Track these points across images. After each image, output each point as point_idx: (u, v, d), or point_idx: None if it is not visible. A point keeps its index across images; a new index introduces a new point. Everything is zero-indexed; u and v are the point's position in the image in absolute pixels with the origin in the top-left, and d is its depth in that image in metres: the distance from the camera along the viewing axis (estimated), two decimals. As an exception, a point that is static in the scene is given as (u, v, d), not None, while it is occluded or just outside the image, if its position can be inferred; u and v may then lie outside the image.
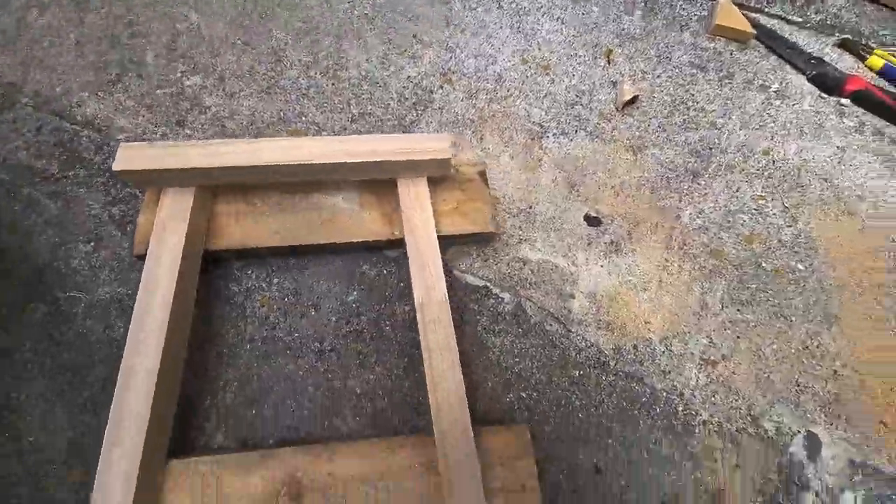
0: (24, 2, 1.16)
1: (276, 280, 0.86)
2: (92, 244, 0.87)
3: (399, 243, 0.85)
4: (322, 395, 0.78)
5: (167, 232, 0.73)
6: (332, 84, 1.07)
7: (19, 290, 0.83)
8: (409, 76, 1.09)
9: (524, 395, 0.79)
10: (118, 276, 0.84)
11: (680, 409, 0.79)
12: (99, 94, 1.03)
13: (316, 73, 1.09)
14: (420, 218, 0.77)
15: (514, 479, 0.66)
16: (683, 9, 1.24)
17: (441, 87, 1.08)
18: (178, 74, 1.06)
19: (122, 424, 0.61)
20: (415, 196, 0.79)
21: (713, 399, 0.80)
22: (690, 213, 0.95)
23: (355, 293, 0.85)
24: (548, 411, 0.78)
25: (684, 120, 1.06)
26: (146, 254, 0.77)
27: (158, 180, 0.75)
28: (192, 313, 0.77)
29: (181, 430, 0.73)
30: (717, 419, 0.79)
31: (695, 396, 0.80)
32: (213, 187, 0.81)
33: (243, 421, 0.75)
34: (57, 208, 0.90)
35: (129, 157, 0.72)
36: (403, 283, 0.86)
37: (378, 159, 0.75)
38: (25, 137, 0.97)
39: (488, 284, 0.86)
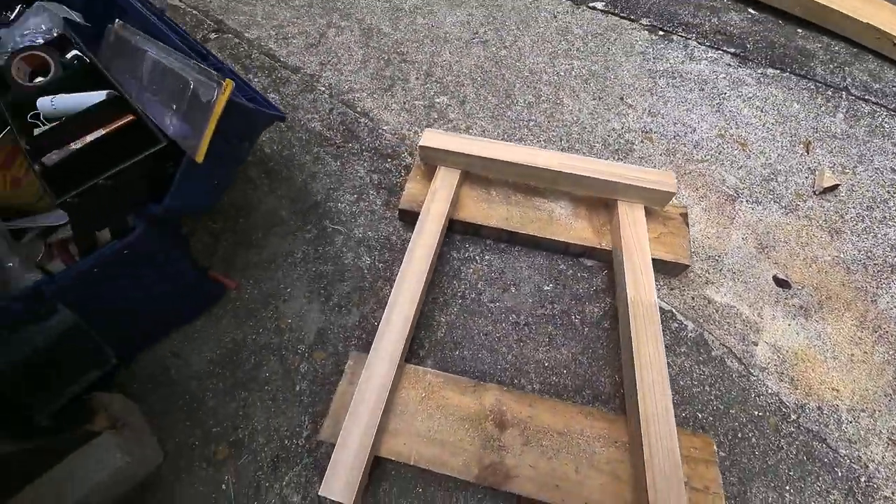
0: (325, 22, 1.60)
1: (486, 257, 1.03)
2: (355, 196, 1.14)
3: (600, 255, 0.98)
4: (514, 357, 0.90)
5: (437, 197, 0.94)
6: (548, 121, 1.30)
7: (301, 215, 1.10)
8: (613, 128, 1.28)
9: (700, 415, 0.83)
10: (370, 223, 1.08)
11: (863, 479, 0.78)
12: (374, 95, 1.36)
13: (536, 112, 1.32)
14: (637, 235, 0.90)
15: (699, 479, 0.70)
16: (886, 122, 1.30)
17: (642, 142, 1.25)
18: (432, 93, 1.36)
19: (392, 320, 0.79)
20: (633, 218, 0.92)
21: (904, 486, 0.77)
22: (888, 301, 0.96)
23: (551, 285, 0.99)
24: (723, 438, 0.81)
25: (884, 217, 1.09)
26: (407, 210, 1.00)
27: (441, 158, 0.98)
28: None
29: (401, 349, 0.90)
30: (908, 507, 0.75)
31: (879, 472, 0.78)
32: (465, 173, 1.03)
33: (448, 356, 0.90)
34: (336, 166, 1.19)
35: (429, 138, 0.97)
36: (595, 288, 0.98)
37: (616, 179, 0.91)
38: (320, 114, 1.32)
39: (673, 310, 0.95)
